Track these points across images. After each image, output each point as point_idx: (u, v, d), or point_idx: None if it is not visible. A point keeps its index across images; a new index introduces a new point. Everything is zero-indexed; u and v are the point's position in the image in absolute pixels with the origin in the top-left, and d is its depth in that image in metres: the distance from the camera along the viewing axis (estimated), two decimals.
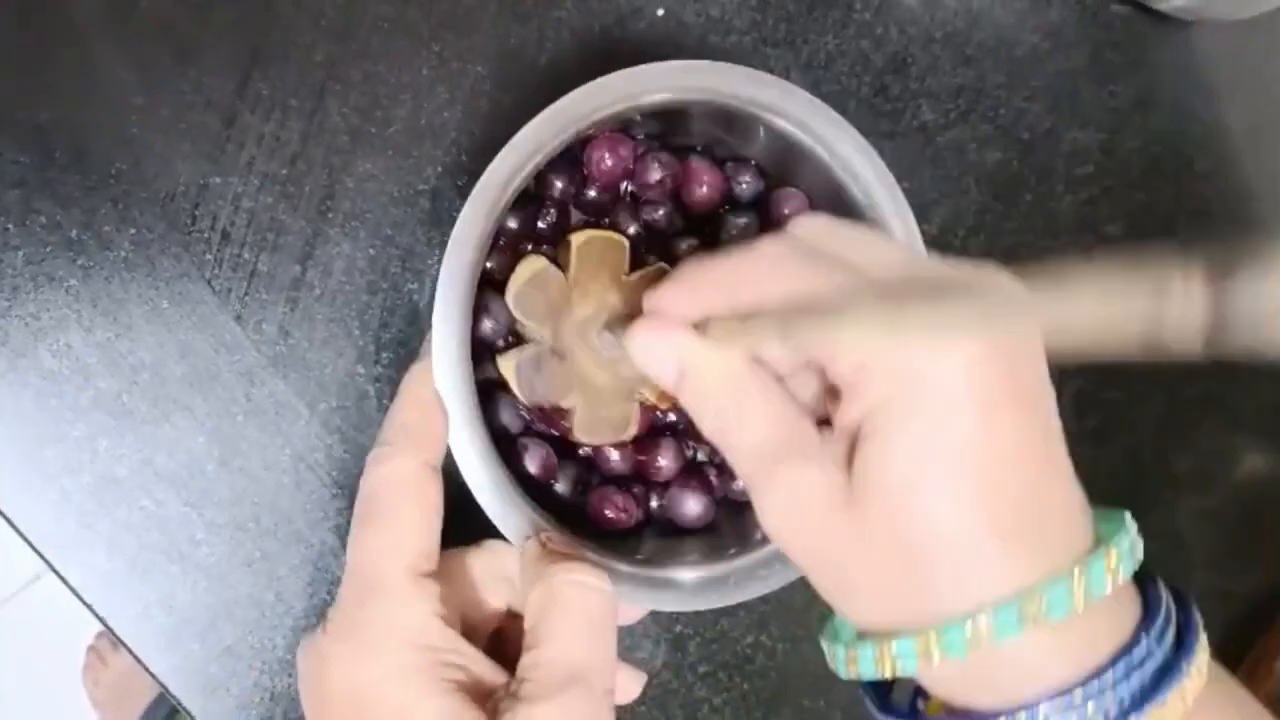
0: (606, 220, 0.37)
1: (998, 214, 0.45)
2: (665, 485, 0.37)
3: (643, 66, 0.33)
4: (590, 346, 0.34)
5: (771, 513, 0.26)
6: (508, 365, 0.34)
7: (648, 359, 0.28)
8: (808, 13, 0.43)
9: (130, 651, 0.38)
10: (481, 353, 0.34)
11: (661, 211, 0.37)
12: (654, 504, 0.37)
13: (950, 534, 0.23)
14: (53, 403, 0.37)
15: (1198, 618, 0.25)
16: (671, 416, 0.38)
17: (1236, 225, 0.47)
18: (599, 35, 0.41)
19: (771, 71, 0.42)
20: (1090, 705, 0.23)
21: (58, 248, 0.37)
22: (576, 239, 0.35)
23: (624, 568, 0.32)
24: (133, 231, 0.38)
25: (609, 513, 0.35)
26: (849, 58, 0.44)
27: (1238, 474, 0.50)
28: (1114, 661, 0.23)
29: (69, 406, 0.37)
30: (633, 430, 0.36)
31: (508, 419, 0.35)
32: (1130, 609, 0.25)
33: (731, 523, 0.37)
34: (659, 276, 0.35)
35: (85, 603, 0.38)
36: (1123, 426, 0.47)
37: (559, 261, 0.35)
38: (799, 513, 0.25)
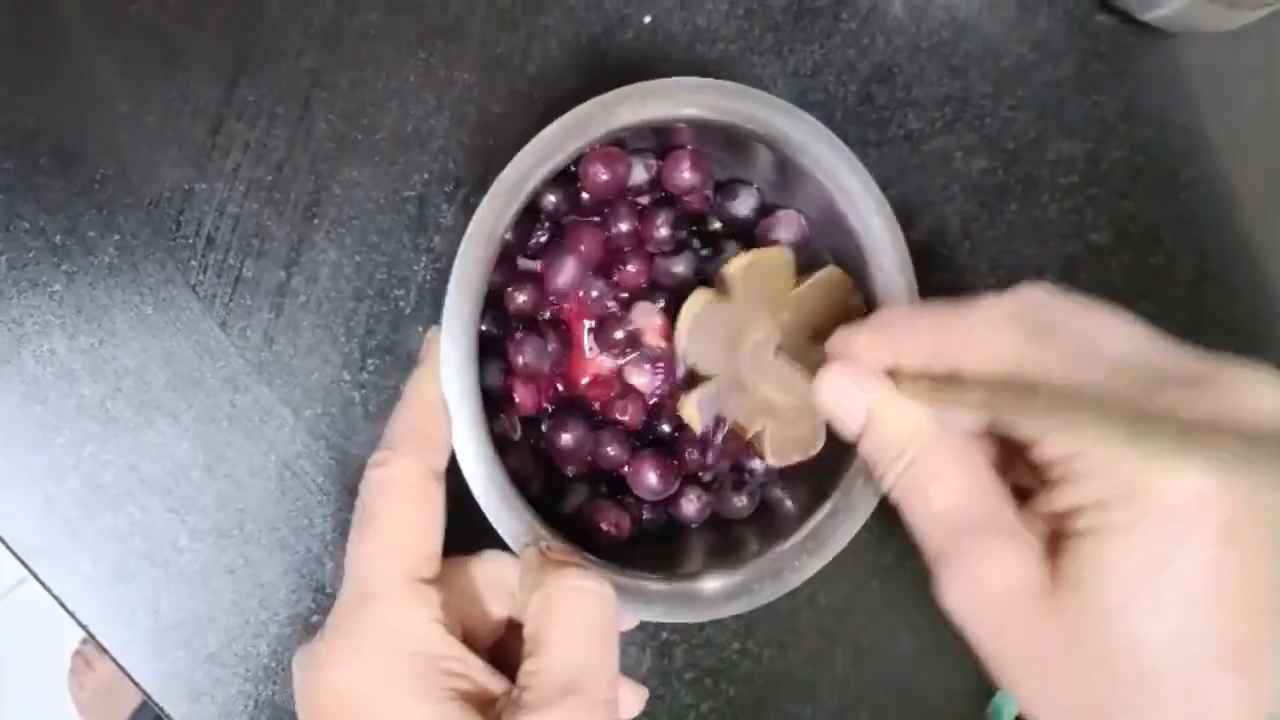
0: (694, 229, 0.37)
1: (983, 222, 0.45)
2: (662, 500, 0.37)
3: (677, 79, 0.33)
4: (767, 369, 0.33)
5: (959, 594, 0.24)
6: (689, 405, 0.34)
7: (834, 403, 0.27)
8: (794, 22, 0.43)
9: (113, 659, 0.38)
10: (486, 357, 0.34)
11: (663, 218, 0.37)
12: (646, 515, 0.38)
13: (1175, 662, 0.21)
14: (36, 409, 0.37)
15: None
16: (666, 427, 0.38)
17: (1221, 233, 0.48)
18: (586, 44, 0.41)
19: (758, 80, 0.43)
20: None
21: (42, 253, 0.37)
22: (735, 265, 0.34)
23: (618, 579, 0.33)
24: (117, 237, 0.38)
25: (604, 526, 0.35)
26: (835, 67, 0.44)
27: None
28: None
29: (53, 413, 0.37)
30: (820, 444, 0.35)
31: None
32: None
33: (727, 535, 0.37)
34: (833, 283, 0.35)
35: (68, 610, 0.38)
36: None
37: (721, 291, 0.34)
38: (992, 600, 0.23)
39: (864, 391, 0.26)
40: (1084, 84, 0.46)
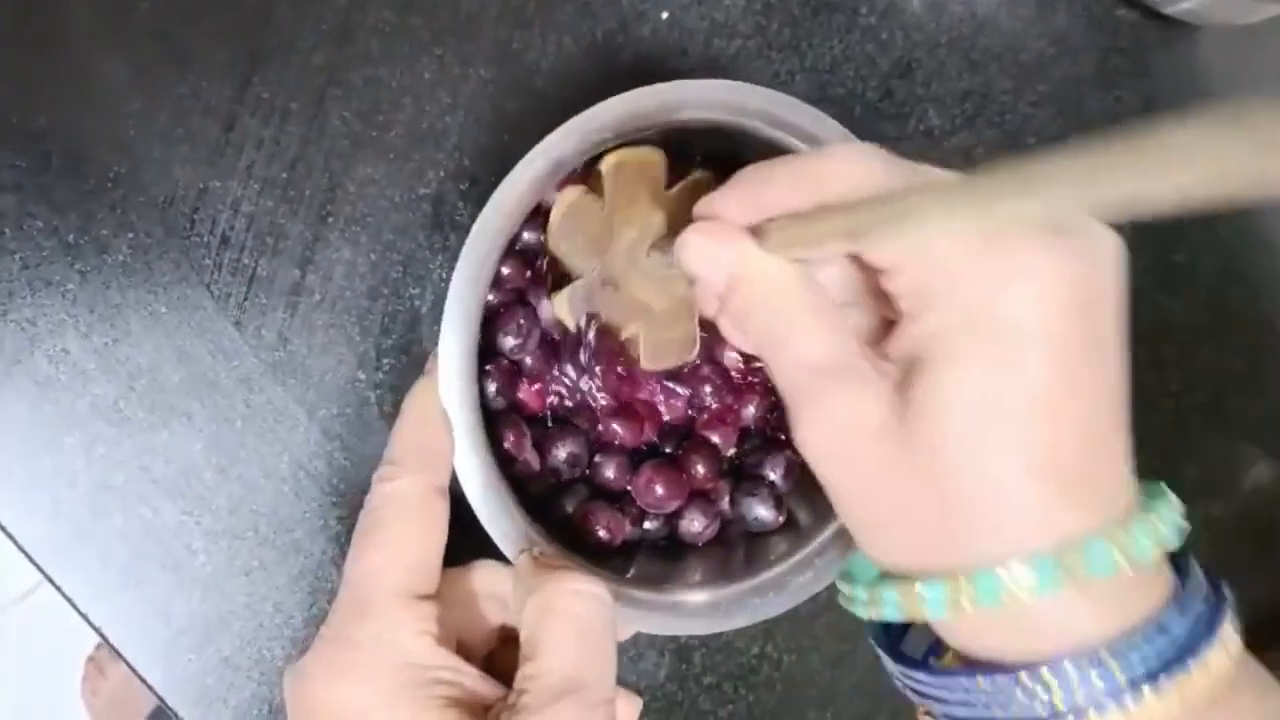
0: None
1: None
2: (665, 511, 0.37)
3: (677, 83, 0.32)
4: (641, 270, 0.33)
5: (813, 433, 0.25)
6: (560, 302, 0.33)
7: (698, 265, 0.27)
8: (812, 17, 0.43)
9: (126, 662, 0.38)
10: (486, 367, 0.34)
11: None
12: (648, 525, 0.37)
13: (1001, 479, 0.22)
14: (49, 409, 0.37)
15: (1229, 598, 0.25)
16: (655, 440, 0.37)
17: (1244, 230, 0.47)
18: (602, 40, 0.41)
19: (776, 76, 0.42)
20: (1115, 664, 0.22)
21: (55, 252, 0.37)
22: (606, 164, 0.33)
23: (619, 589, 0.32)
24: (131, 236, 0.37)
25: (599, 530, 0.35)
26: (854, 62, 0.43)
27: (1245, 483, 0.49)
28: (1143, 626, 0.23)
29: (65, 413, 0.37)
30: (696, 349, 0.34)
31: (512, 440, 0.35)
32: (1163, 581, 0.24)
33: (732, 547, 0.37)
34: (703, 186, 0.34)
35: (81, 613, 0.37)
36: (1130, 434, 0.47)
37: (594, 189, 0.34)
38: (843, 436, 0.24)
39: (724, 248, 0.26)
40: (1105, 79, 0.45)
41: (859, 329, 0.27)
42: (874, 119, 0.43)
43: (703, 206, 0.27)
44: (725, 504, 0.37)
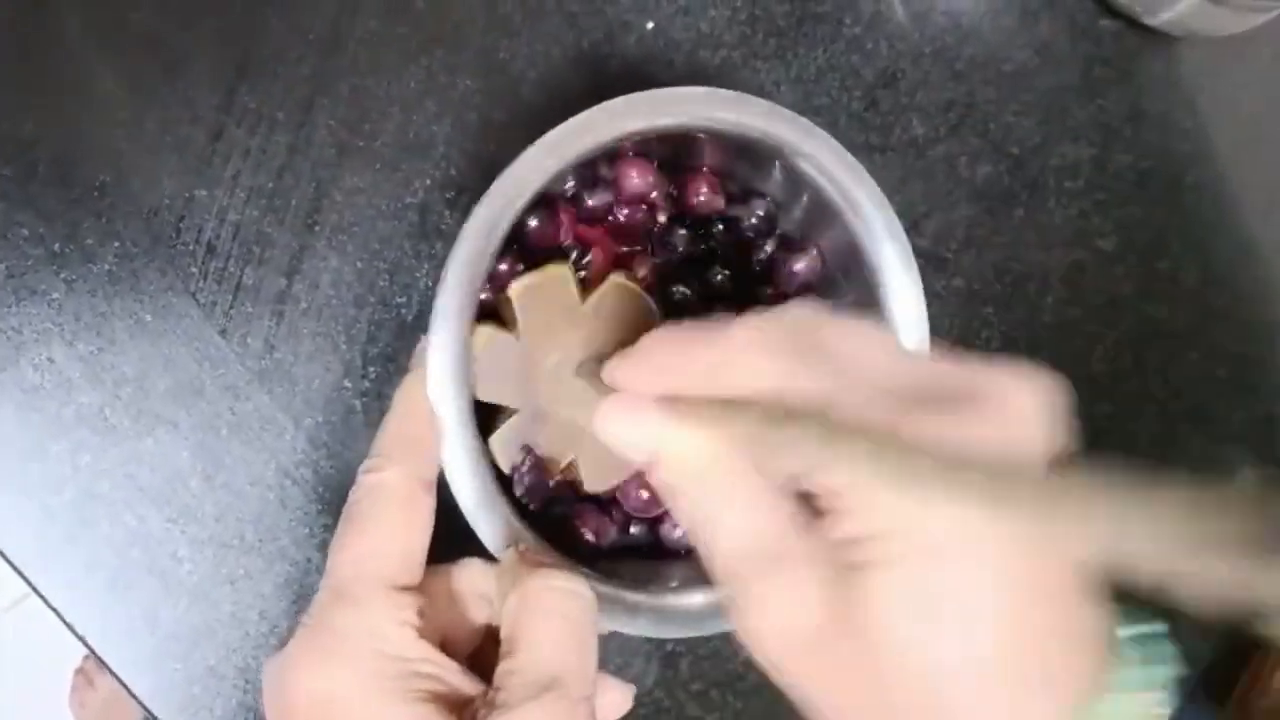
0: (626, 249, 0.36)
1: (989, 228, 0.45)
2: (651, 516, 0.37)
3: (669, 89, 0.33)
4: (569, 394, 0.33)
5: (750, 626, 0.24)
6: (495, 445, 0.33)
7: (615, 440, 0.26)
8: (797, 27, 0.43)
9: (111, 671, 0.38)
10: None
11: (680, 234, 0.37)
12: (634, 530, 0.37)
13: (955, 685, 0.22)
14: (34, 417, 0.37)
15: None
16: None
17: (1227, 237, 0.47)
18: (589, 50, 0.41)
19: (761, 86, 0.43)
20: None
21: (40, 261, 0.37)
22: (514, 291, 0.33)
23: (599, 588, 0.32)
24: (117, 245, 0.37)
25: (585, 532, 0.35)
26: (839, 72, 0.43)
27: (1230, 487, 0.49)
28: None
29: (51, 421, 0.37)
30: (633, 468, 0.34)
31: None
32: None
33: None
34: (618, 294, 0.34)
35: (66, 622, 0.37)
36: (1115, 440, 0.47)
37: (504, 319, 0.33)
38: (787, 634, 0.23)
39: (638, 427, 0.25)
40: (1088, 89, 0.46)
41: (788, 499, 0.25)
42: (859, 129, 0.44)
43: (612, 373, 0.26)
44: None
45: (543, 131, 0.41)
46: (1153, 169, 0.46)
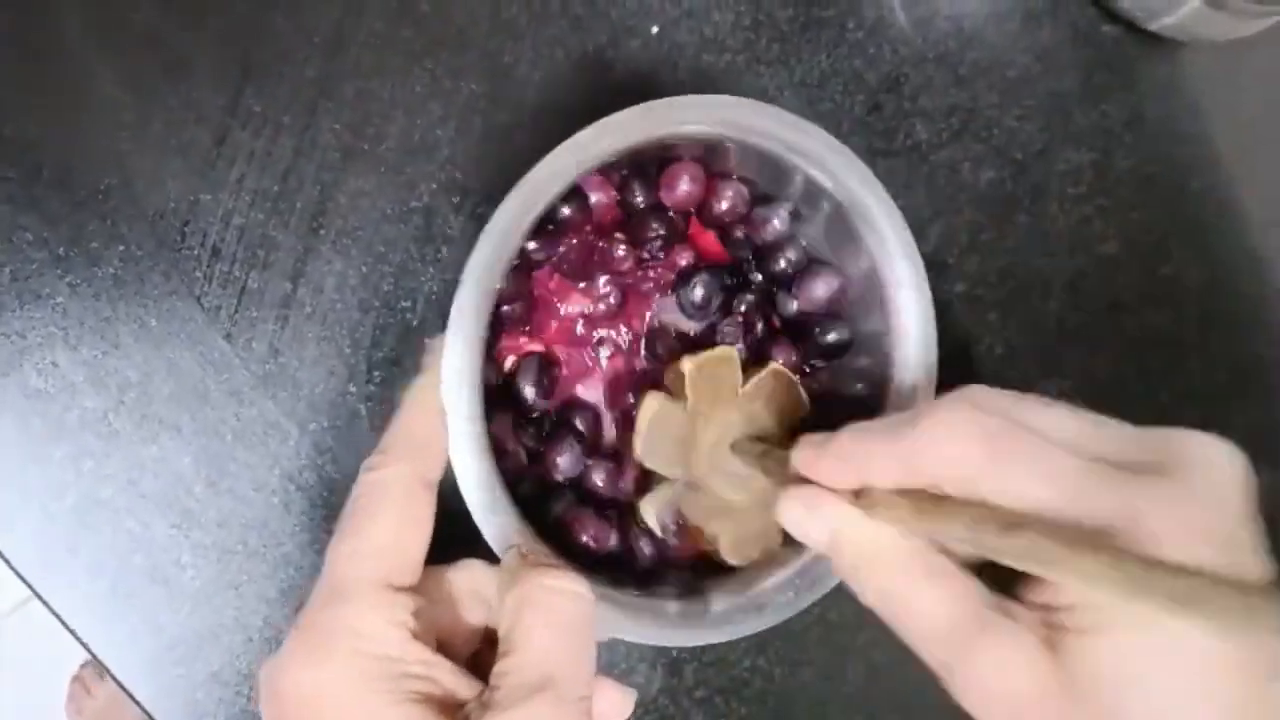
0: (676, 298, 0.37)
1: (992, 233, 0.45)
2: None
3: (695, 96, 0.33)
4: (722, 470, 0.34)
5: (970, 695, 0.24)
6: (647, 508, 0.34)
7: (797, 531, 0.27)
8: (801, 32, 0.43)
9: (114, 677, 0.37)
10: (490, 365, 0.34)
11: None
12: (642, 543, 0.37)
13: None
14: (37, 422, 0.37)
15: None
16: None
17: (1231, 244, 0.47)
18: (593, 53, 0.41)
19: (765, 90, 0.43)
20: None
21: (45, 264, 0.37)
22: (687, 367, 0.34)
23: (601, 590, 0.32)
24: (121, 248, 0.37)
25: (583, 537, 0.35)
26: (842, 77, 0.44)
27: None
28: None
29: (54, 426, 0.37)
30: (780, 539, 0.35)
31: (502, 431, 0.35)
32: None
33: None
34: (777, 382, 0.35)
35: (68, 628, 0.37)
36: None
37: (671, 390, 0.35)
38: (1018, 698, 0.23)
39: (821, 518, 0.26)
40: (1090, 94, 0.46)
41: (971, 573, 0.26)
42: (862, 133, 0.44)
43: (801, 463, 0.27)
44: None
45: (547, 135, 0.41)
46: (1155, 174, 0.46)
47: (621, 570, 0.36)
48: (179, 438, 0.38)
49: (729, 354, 0.35)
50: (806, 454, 0.27)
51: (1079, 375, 0.46)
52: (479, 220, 0.40)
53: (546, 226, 0.34)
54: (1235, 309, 0.48)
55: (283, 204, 0.38)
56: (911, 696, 0.44)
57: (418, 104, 0.40)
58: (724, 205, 0.36)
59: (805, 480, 0.28)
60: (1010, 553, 0.22)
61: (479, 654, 0.33)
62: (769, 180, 0.36)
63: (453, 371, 0.31)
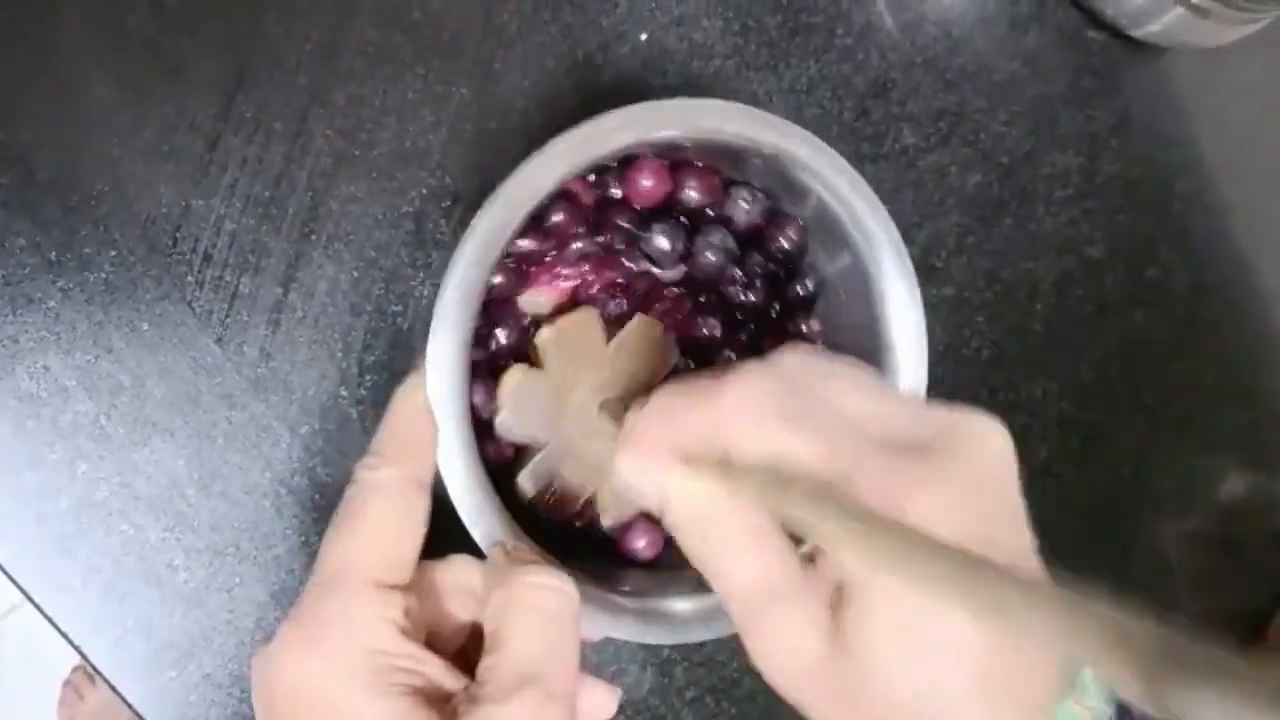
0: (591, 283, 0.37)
1: (979, 236, 0.45)
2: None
3: (671, 101, 0.33)
4: (594, 430, 0.34)
5: (760, 656, 0.26)
6: (523, 480, 0.34)
7: (629, 487, 0.28)
8: (789, 38, 0.44)
9: (105, 680, 0.38)
10: (478, 364, 0.34)
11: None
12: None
13: (938, 703, 0.24)
14: (30, 425, 0.37)
15: None
16: None
17: (1216, 245, 0.48)
18: (583, 60, 0.42)
19: (754, 96, 0.43)
20: None
21: (37, 269, 0.37)
22: (543, 337, 0.34)
23: (586, 589, 0.32)
24: (113, 253, 0.37)
25: (576, 524, 0.35)
26: (830, 82, 0.44)
27: (1218, 494, 0.50)
28: None
29: (46, 430, 0.37)
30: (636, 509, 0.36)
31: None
32: None
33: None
34: (641, 333, 0.36)
35: (60, 630, 0.37)
36: (1104, 447, 0.48)
37: (533, 361, 0.35)
38: (787, 660, 0.26)
39: (647, 475, 0.27)
40: (1076, 99, 0.46)
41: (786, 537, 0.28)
42: (850, 138, 0.44)
43: (626, 426, 0.28)
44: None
45: (537, 141, 0.41)
46: (1141, 178, 0.47)
47: (611, 566, 0.36)
48: (172, 441, 0.38)
49: (587, 316, 0.35)
50: (631, 414, 0.28)
51: (1066, 377, 0.47)
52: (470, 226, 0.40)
53: (533, 227, 0.34)
54: (1221, 311, 0.49)
55: (274, 209, 0.39)
56: None
57: (409, 110, 0.40)
58: (693, 195, 0.36)
59: None
60: (784, 507, 0.24)
61: (467, 649, 0.33)
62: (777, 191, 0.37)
63: (439, 376, 0.31)
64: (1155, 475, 0.49)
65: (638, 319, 0.36)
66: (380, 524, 0.30)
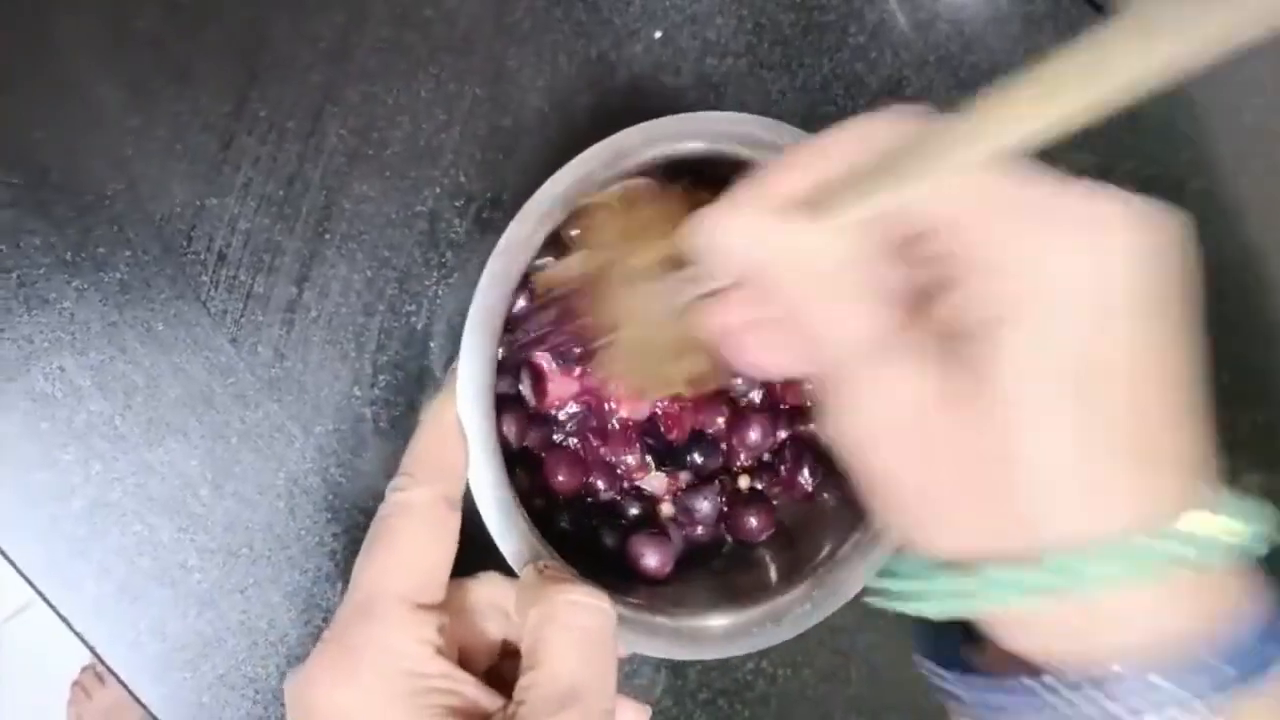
0: None
1: None
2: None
3: (707, 114, 0.32)
4: (644, 293, 0.31)
5: (857, 418, 0.23)
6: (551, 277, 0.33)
7: (718, 246, 0.24)
8: (802, 36, 0.43)
9: (120, 681, 0.38)
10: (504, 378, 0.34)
11: None
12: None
13: (1081, 456, 0.20)
14: (43, 426, 0.37)
15: None
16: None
17: (1231, 243, 0.48)
18: (596, 58, 0.41)
19: (767, 94, 0.43)
20: (1216, 663, 0.20)
21: (51, 269, 0.37)
22: (636, 183, 0.33)
23: (634, 612, 0.32)
24: (128, 253, 0.37)
25: (606, 541, 0.35)
26: (844, 80, 0.44)
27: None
28: (1243, 623, 0.21)
29: (61, 430, 0.37)
30: (677, 389, 0.34)
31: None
32: (1249, 580, 0.22)
33: (731, 575, 0.37)
34: (657, 200, 0.34)
35: (75, 630, 0.37)
36: None
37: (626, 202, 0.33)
38: (895, 416, 0.22)
39: (749, 225, 0.23)
40: None
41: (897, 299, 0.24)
42: None
43: (755, 184, 0.24)
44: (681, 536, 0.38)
45: (550, 139, 0.41)
46: (1155, 176, 0.47)
47: (637, 584, 0.36)
48: (185, 441, 0.38)
49: (606, 198, 0.33)
50: (762, 174, 0.24)
51: None
52: (483, 224, 0.40)
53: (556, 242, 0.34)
54: (1236, 310, 0.48)
55: (288, 209, 0.39)
56: (913, 699, 0.44)
57: (422, 109, 0.40)
58: None
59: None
60: (896, 189, 0.21)
61: (497, 666, 0.33)
62: None
63: (468, 394, 0.31)
64: None
65: (634, 181, 0.34)
66: (413, 545, 0.30)
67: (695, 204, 0.32)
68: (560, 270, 0.33)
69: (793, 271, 0.23)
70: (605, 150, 0.32)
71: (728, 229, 0.24)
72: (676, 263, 0.31)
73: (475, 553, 0.31)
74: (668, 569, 0.37)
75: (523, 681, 0.28)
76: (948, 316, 0.22)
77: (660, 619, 0.33)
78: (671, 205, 0.32)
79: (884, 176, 0.21)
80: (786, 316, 0.24)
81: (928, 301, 0.23)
